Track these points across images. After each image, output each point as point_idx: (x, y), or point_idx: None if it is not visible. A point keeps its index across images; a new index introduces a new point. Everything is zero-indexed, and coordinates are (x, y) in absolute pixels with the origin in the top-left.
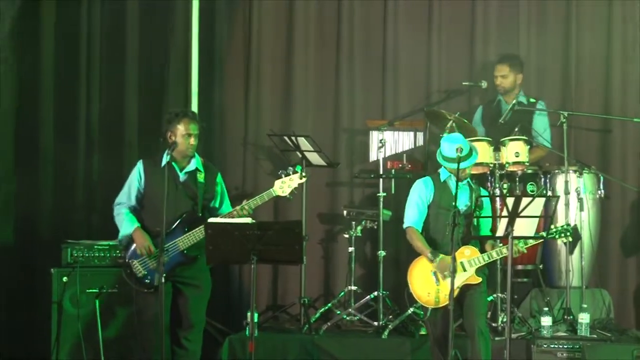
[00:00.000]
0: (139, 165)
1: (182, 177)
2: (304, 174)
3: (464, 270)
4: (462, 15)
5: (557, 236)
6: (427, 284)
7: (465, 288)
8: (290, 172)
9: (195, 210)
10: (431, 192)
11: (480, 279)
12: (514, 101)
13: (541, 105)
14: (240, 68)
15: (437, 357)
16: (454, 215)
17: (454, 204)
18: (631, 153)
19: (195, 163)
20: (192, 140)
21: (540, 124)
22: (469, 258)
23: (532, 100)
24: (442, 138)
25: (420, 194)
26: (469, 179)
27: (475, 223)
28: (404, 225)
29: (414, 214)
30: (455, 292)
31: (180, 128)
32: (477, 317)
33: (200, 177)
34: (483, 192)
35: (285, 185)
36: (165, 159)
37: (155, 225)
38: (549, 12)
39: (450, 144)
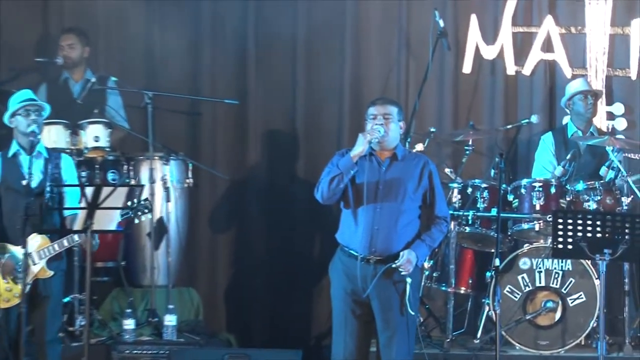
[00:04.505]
0: None
1: None
2: None
3: (34, 263)
4: None
5: (134, 215)
6: None
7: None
8: None
9: None
10: None
11: (52, 272)
12: (93, 79)
13: (112, 82)
14: None
15: None
16: (27, 205)
17: (24, 183)
18: (221, 138)
19: None
20: None
21: (115, 102)
22: (39, 249)
23: (110, 78)
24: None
25: None
26: (43, 149)
27: (51, 200)
28: None
29: None
30: (27, 289)
31: None
32: (45, 325)
33: None
34: (66, 159)
35: None
36: None
37: None
38: None
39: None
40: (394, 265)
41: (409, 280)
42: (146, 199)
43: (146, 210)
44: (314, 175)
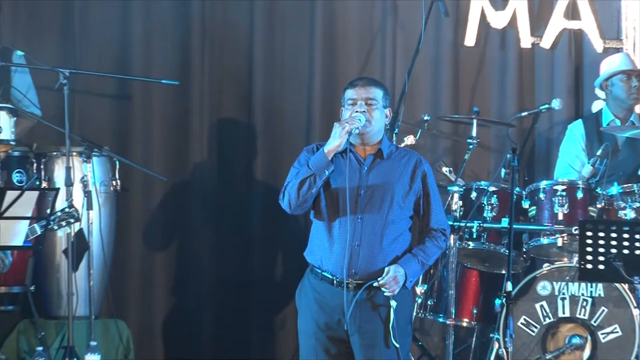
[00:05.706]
0: None
1: None
2: None
3: None
4: None
5: (57, 226)
6: None
7: None
8: None
9: None
10: None
11: None
12: None
13: (19, 57)
14: None
15: None
16: None
17: None
18: (158, 129)
19: None
20: None
21: (22, 82)
22: None
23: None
24: None
25: None
26: None
27: None
28: None
29: None
30: None
31: None
32: None
33: None
34: None
35: None
36: None
37: None
38: None
39: None
40: (375, 284)
41: (393, 303)
42: (71, 206)
43: (72, 220)
44: (276, 177)
